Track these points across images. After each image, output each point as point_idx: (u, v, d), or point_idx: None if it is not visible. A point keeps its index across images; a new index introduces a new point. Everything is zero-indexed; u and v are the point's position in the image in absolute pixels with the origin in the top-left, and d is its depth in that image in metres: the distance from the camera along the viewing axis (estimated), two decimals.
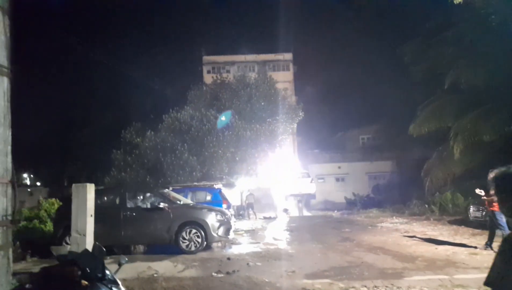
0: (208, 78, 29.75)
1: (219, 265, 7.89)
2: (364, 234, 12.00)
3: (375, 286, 6.15)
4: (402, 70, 20.49)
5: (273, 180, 23.18)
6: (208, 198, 14.75)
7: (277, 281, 6.60)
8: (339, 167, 31.64)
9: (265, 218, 20.09)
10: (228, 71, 31.28)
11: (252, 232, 13.63)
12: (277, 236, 12.51)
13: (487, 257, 7.96)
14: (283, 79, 31.23)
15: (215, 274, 7.16)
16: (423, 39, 18.75)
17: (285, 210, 23.27)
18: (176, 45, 50.81)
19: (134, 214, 9.36)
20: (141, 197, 9.80)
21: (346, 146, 34.33)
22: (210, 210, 9.78)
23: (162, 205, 9.23)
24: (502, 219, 8.51)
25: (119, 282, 3.14)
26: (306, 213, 25.04)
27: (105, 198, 9.58)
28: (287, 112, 22.88)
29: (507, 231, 8.64)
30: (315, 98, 31.76)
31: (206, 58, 33.75)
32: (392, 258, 8.33)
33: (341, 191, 28.87)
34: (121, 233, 9.15)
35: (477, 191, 9.12)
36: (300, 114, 23.57)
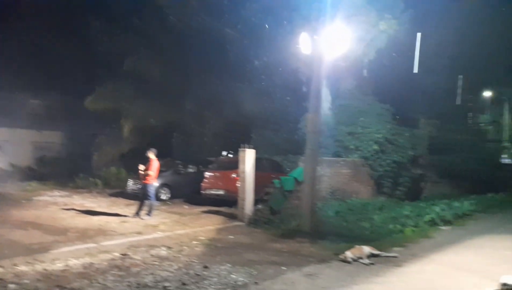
0: None
1: None
2: (15, 209, 10.70)
3: (14, 264, 5.59)
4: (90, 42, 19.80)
5: None
6: None
7: None
8: None
9: None
10: None
11: None
12: None
13: (135, 224, 9.09)
14: None
15: None
16: (112, 18, 18.84)
17: None
18: None
19: None
20: None
21: (12, 109, 29.24)
22: None
23: None
24: (152, 191, 9.94)
25: None
26: None
27: None
28: None
29: (155, 202, 10.21)
30: None
31: None
32: (42, 232, 7.91)
33: None
34: None
35: (140, 167, 10.16)
36: None
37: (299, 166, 10.78)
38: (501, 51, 16.76)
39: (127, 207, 11.39)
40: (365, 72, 13.74)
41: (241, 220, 9.68)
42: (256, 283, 5.18)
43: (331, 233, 8.23)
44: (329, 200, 10.89)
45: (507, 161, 21.56)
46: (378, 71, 13.66)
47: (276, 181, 10.11)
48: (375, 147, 12.51)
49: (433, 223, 9.43)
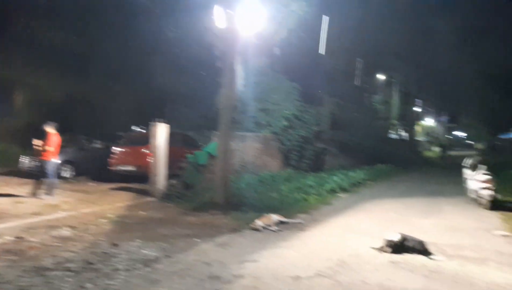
0: None
1: None
2: None
3: None
4: None
5: None
6: None
7: None
8: None
9: None
10: None
11: None
12: None
13: (32, 205, 8.30)
14: None
15: None
16: None
17: None
18: None
19: None
20: None
21: None
22: None
23: None
24: (51, 168, 9.14)
25: None
26: None
27: None
28: None
29: (55, 180, 9.41)
30: None
31: None
32: None
33: None
34: None
35: (35, 141, 9.21)
36: None
37: (213, 141, 10.90)
38: (393, 40, 18.78)
39: (21, 187, 10.31)
40: (277, 50, 14.22)
41: (153, 196, 9.52)
42: (168, 256, 5.21)
43: (243, 204, 8.54)
44: (242, 173, 11.28)
45: (393, 136, 24.63)
46: (288, 50, 14.26)
47: (190, 155, 10.11)
48: (285, 123, 13.22)
49: (332, 191, 10.47)
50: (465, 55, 26.02)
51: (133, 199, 9.45)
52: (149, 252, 5.32)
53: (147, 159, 10.33)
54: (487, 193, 8.16)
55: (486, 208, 8.06)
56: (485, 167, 8.85)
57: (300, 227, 7.02)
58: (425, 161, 25.47)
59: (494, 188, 8.23)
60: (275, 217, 7.16)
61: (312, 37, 15.08)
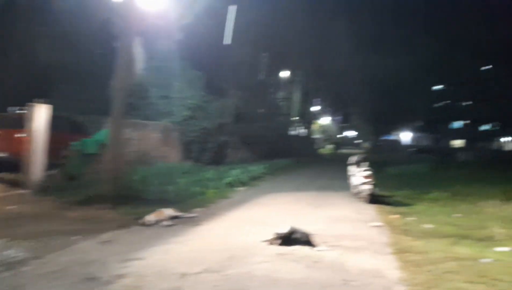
0: None
1: None
2: None
3: None
4: None
5: None
6: None
7: None
8: None
9: None
10: None
11: None
12: None
13: None
14: None
15: None
16: None
17: None
18: None
19: None
20: None
21: None
22: None
23: None
24: None
25: None
26: None
27: None
28: None
29: None
30: None
31: None
32: None
33: None
34: None
35: None
36: None
37: (105, 128, 9.98)
38: (296, 40, 19.70)
39: None
40: (182, 36, 13.67)
41: (28, 188, 8.33)
42: (37, 257, 4.57)
43: (135, 198, 8.08)
44: (136, 164, 10.60)
45: (293, 132, 26.01)
46: (194, 37, 13.84)
47: (75, 143, 9.08)
48: (187, 112, 12.81)
49: (231, 185, 10.50)
50: (358, 61, 28.73)
51: (2, 192, 8.14)
52: (14, 253, 4.63)
53: (21, 145, 8.97)
54: (367, 188, 8.98)
55: (366, 202, 8.88)
56: (367, 164, 9.72)
57: (195, 222, 6.83)
58: (320, 157, 27.46)
59: (373, 183, 9.10)
60: (169, 212, 6.86)
61: (220, 27, 14.89)
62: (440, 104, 47.68)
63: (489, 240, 5.92)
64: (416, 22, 39.85)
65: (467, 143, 45.92)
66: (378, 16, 32.20)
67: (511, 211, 8.18)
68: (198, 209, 7.76)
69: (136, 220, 6.50)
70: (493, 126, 46.36)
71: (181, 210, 7.24)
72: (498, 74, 42.08)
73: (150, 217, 6.53)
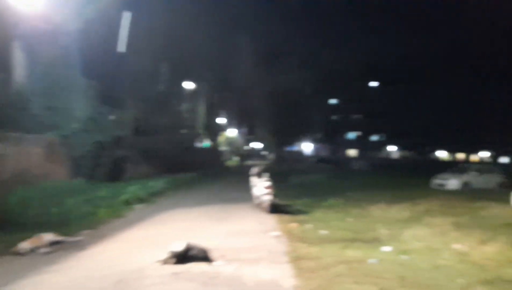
0: None
1: None
2: None
3: None
4: None
5: None
6: None
7: None
8: None
9: None
10: None
11: None
12: None
13: None
14: None
15: None
16: None
17: None
18: None
19: None
20: None
21: None
22: None
23: None
24: None
25: None
26: None
27: None
28: None
29: None
30: None
31: None
32: None
33: None
34: None
35: None
36: None
37: None
38: (199, 51, 19.57)
39: None
40: (71, 41, 12.45)
41: None
42: None
43: (9, 223, 6.96)
44: (14, 184, 9.16)
45: (198, 145, 25.62)
46: (86, 44, 12.72)
47: None
48: (77, 125, 11.60)
49: (127, 203, 9.71)
50: (260, 74, 29.82)
51: None
52: None
53: None
54: (268, 198, 9.08)
55: (267, 212, 8.96)
56: (267, 174, 9.87)
57: (80, 246, 6.09)
58: (226, 170, 27.47)
59: (274, 193, 9.25)
60: (49, 237, 6.04)
61: (116, 34, 13.97)
62: (336, 117, 52.13)
63: (376, 241, 6.40)
64: (314, 38, 43.34)
65: (360, 152, 50.90)
66: (279, 31, 34.12)
67: (394, 213, 9.08)
68: (86, 231, 6.98)
69: (7, 249, 5.59)
70: (380, 137, 52.19)
71: (65, 234, 6.43)
72: (383, 91, 48.09)
73: (25, 245, 5.66)
